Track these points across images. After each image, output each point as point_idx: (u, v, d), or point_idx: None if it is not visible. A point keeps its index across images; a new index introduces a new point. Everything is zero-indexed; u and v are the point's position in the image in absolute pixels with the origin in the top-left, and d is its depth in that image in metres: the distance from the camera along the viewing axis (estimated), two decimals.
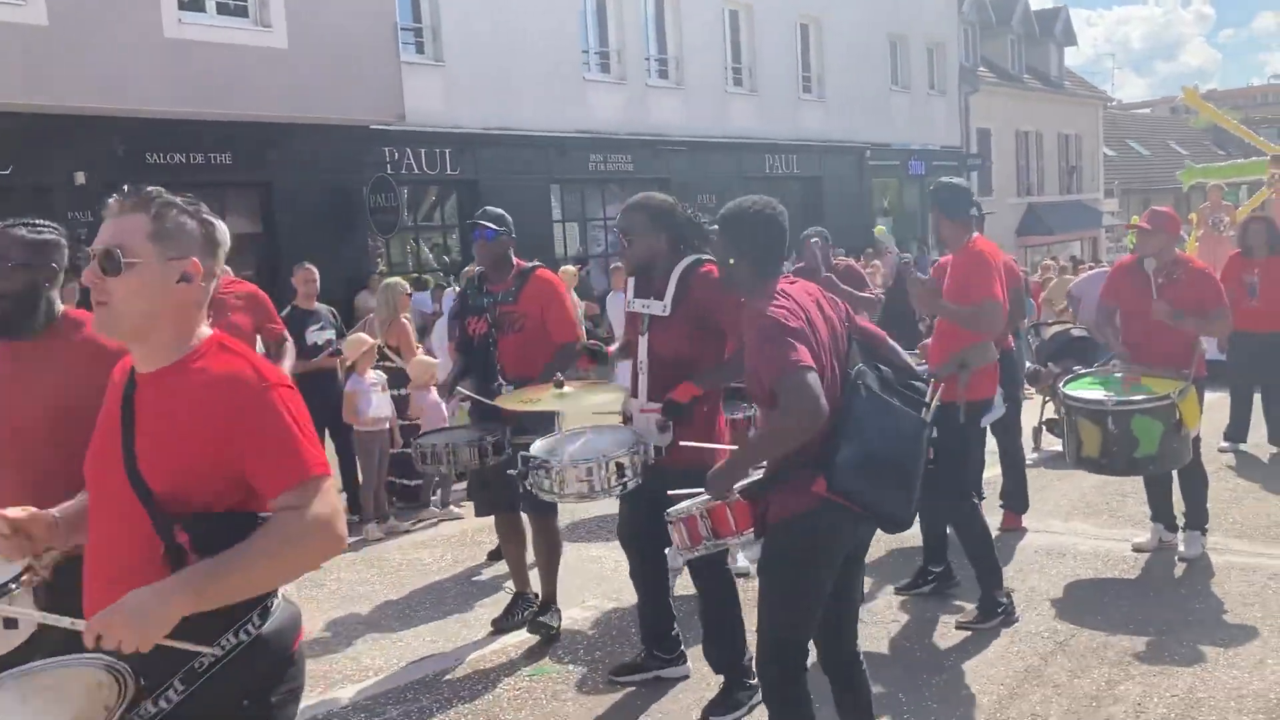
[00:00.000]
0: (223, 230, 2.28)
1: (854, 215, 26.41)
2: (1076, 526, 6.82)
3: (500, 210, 5.47)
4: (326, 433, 7.49)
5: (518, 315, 5.28)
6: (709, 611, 4.46)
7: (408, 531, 7.75)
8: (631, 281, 4.61)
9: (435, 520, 7.98)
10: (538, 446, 4.38)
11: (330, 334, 7.98)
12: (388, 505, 7.96)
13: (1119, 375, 5.91)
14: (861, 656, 3.62)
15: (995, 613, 5.18)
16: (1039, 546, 6.44)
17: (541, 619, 5.32)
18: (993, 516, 6.88)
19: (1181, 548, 6.08)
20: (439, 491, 8.32)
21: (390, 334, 8.22)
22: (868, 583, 5.61)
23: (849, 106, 26.80)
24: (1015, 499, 6.84)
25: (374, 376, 7.71)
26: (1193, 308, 5.84)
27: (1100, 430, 5.55)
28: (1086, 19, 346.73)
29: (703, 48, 22.83)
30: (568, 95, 19.68)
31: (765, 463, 3.34)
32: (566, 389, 4.62)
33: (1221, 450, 9.02)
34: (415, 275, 17.15)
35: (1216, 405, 10.51)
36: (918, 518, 3.80)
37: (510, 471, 4.71)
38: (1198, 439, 5.84)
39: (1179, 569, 5.93)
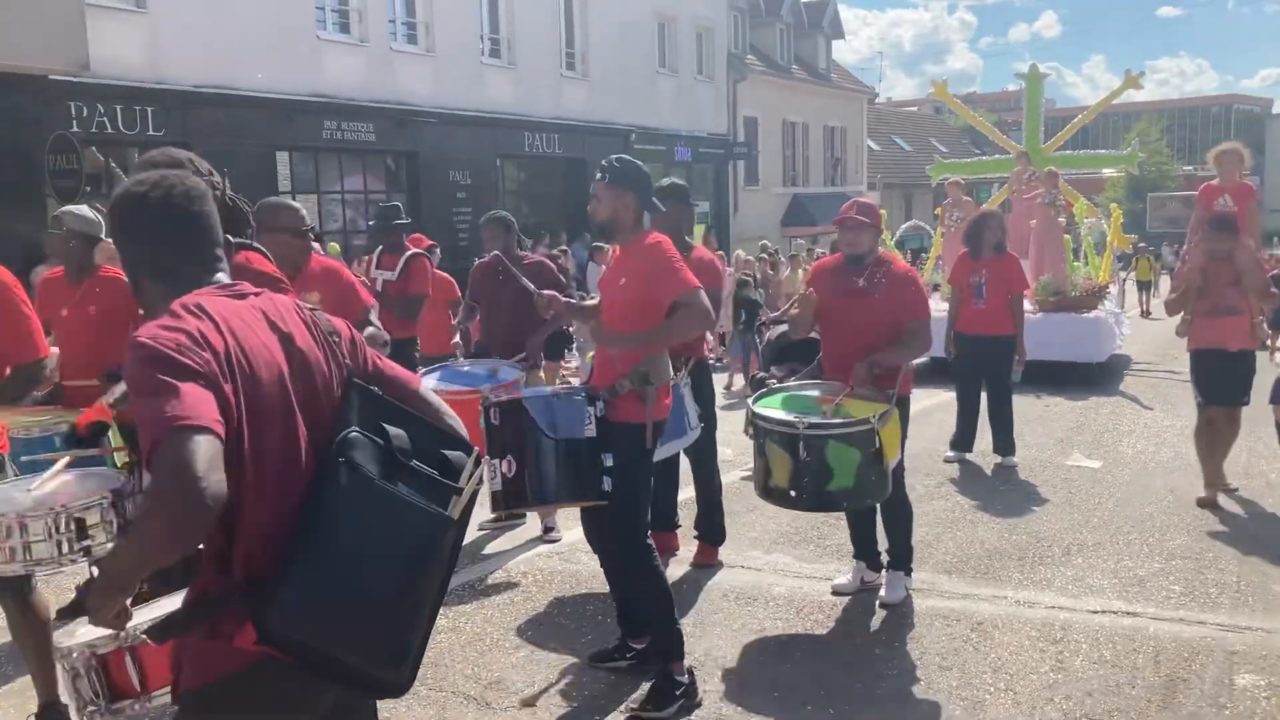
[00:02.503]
0: None
1: None
2: (777, 560, 6.00)
3: None
4: None
5: None
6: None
7: None
8: None
9: None
10: None
11: None
12: None
13: (815, 394, 5.07)
14: None
15: (674, 696, 4.15)
16: (729, 588, 5.56)
17: None
18: (688, 546, 5.98)
19: (883, 592, 5.32)
20: None
21: None
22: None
23: (614, 86, 25.94)
24: (710, 530, 5.95)
25: None
26: (891, 316, 5.07)
27: (791, 457, 4.68)
28: (862, 18, 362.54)
29: (456, 14, 21.39)
30: (299, 55, 17.89)
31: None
32: None
33: (947, 460, 8.53)
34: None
35: (935, 412, 10.36)
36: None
37: None
38: (900, 468, 5.07)
39: (877, 618, 5.15)
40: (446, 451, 2.22)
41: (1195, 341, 7.08)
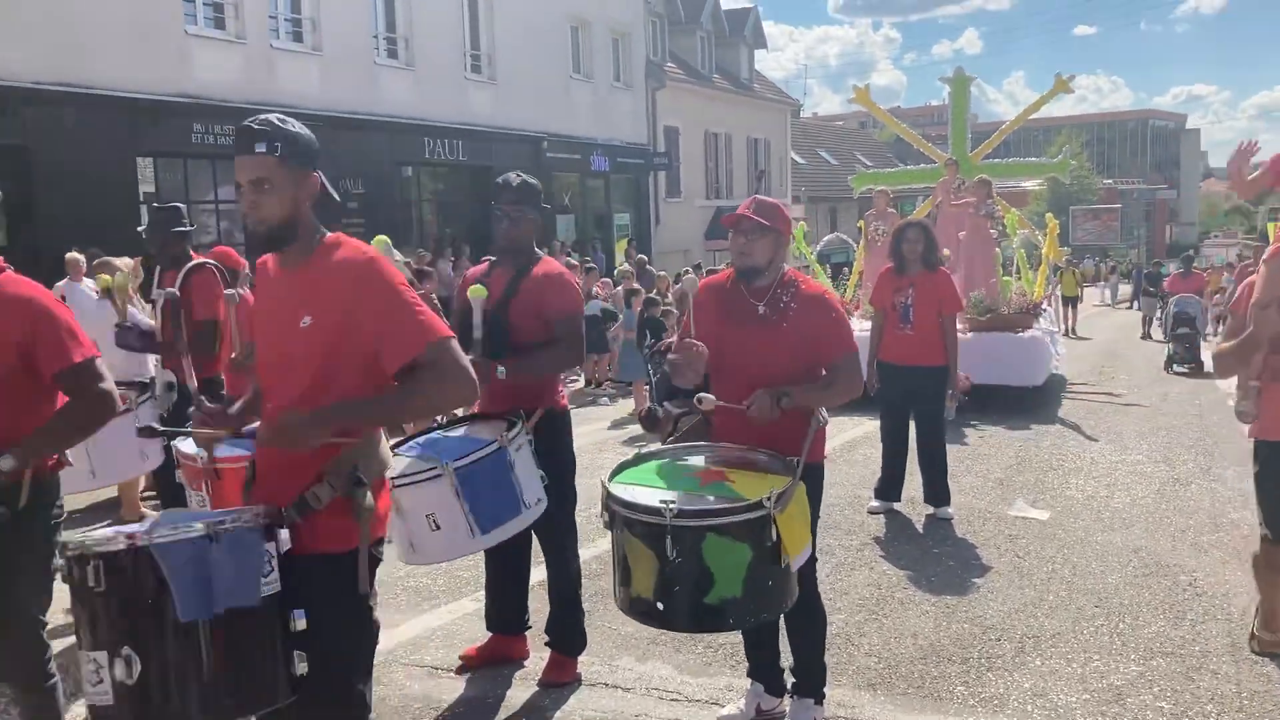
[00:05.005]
0: None
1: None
2: (653, 673, 4.60)
3: None
4: None
5: None
6: None
7: None
8: None
9: None
10: None
11: None
12: None
13: (697, 462, 3.72)
14: None
15: None
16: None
17: None
18: (539, 654, 4.58)
19: None
20: None
21: None
22: None
23: (524, 92, 24.46)
24: (563, 635, 4.52)
25: None
26: (804, 352, 3.74)
27: (656, 557, 3.32)
28: (788, 34, 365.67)
29: (346, 11, 19.78)
30: (162, 50, 16.14)
31: None
32: None
33: (872, 511, 7.24)
34: None
35: (861, 445, 9.12)
36: None
37: None
38: (810, 563, 3.73)
39: None
40: None
41: (1267, 428, 4.38)
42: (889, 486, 7.35)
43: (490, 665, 4.61)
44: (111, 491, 7.24)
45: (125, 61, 15.36)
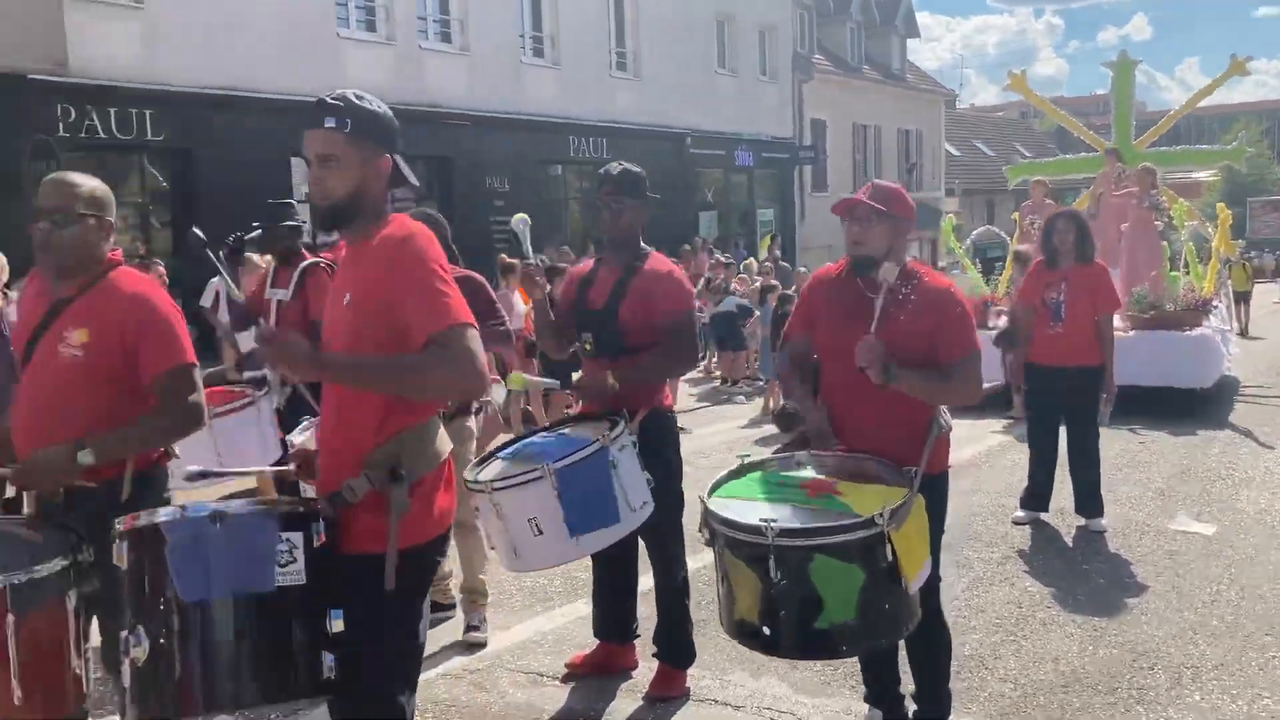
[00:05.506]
0: None
1: (674, 206, 24.01)
2: (766, 690, 4.32)
3: None
4: None
5: None
6: None
7: None
8: None
9: None
10: None
11: None
12: None
13: (807, 473, 3.45)
14: None
15: None
16: None
17: None
18: (647, 664, 4.39)
19: None
20: None
21: None
22: None
23: (668, 88, 24.38)
24: (671, 646, 4.30)
25: None
26: (921, 349, 3.43)
27: (759, 579, 3.08)
28: (944, 24, 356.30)
29: (494, 11, 20.05)
30: (317, 54, 16.63)
31: None
32: None
33: (1016, 522, 6.79)
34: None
35: (1009, 451, 8.66)
36: None
37: None
38: (932, 581, 3.42)
39: None
40: None
41: None
42: (1036, 495, 6.86)
43: (596, 674, 4.44)
44: (250, 482, 7.38)
45: (280, 65, 15.86)
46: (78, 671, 2.87)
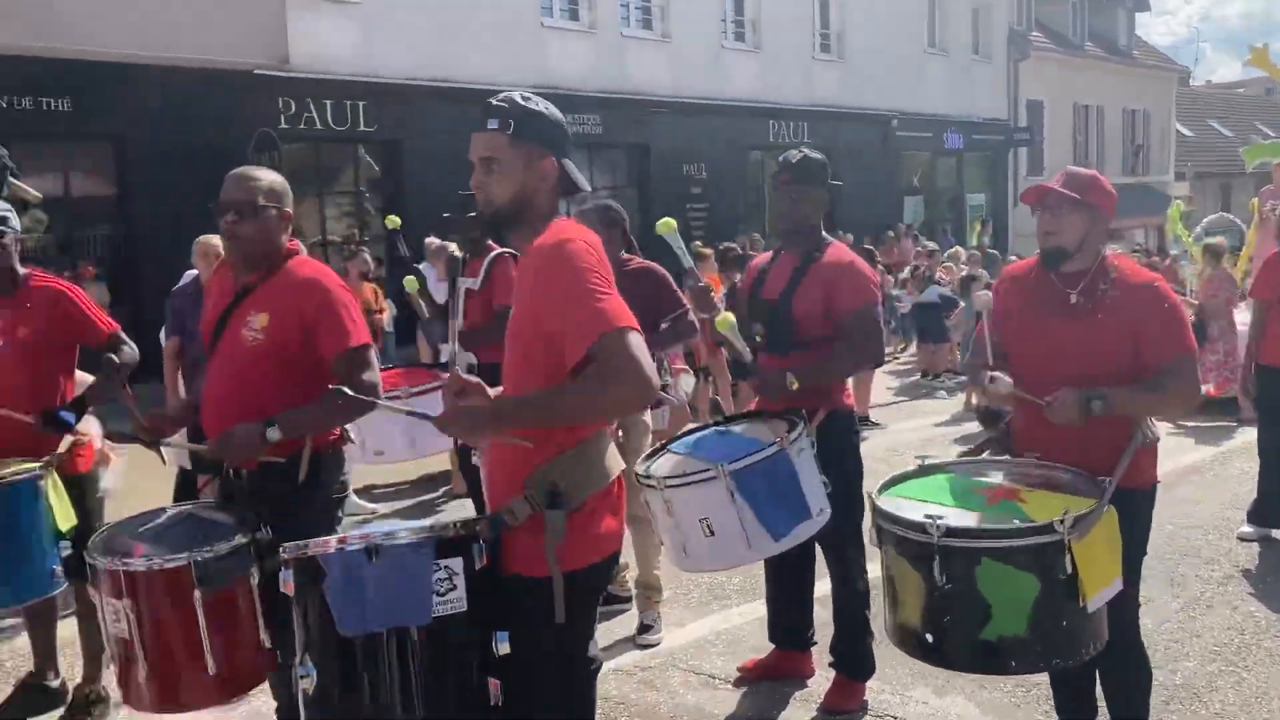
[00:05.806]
0: None
1: (878, 192, 23.40)
2: (954, 707, 4.08)
3: None
4: None
5: None
6: None
7: None
8: None
9: None
10: None
11: None
12: None
13: (994, 479, 3.19)
14: None
15: None
16: None
17: None
18: (824, 673, 4.22)
19: None
20: None
21: None
22: None
23: (873, 69, 23.68)
24: (849, 656, 4.09)
25: None
26: (1125, 349, 3.11)
27: (923, 581, 2.87)
28: None
29: None
30: (522, 43, 16.98)
31: None
32: None
33: (1243, 538, 6.21)
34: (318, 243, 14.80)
35: (1236, 458, 7.98)
36: None
37: None
38: (1128, 603, 3.11)
39: None
40: None
41: None
42: (1267, 509, 6.24)
43: (770, 680, 4.28)
44: (444, 463, 7.60)
45: (487, 55, 16.23)
46: (266, 645, 2.97)
